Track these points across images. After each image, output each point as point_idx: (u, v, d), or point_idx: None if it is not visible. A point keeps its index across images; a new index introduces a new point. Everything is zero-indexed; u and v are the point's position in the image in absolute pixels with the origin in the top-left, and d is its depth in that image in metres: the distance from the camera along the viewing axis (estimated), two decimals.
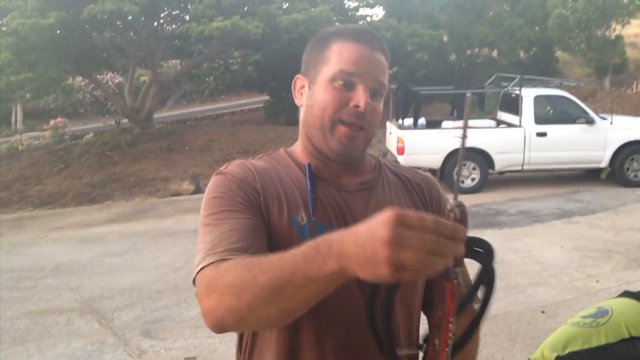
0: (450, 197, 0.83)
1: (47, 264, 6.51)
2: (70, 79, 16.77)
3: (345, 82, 1.09)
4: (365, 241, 0.73)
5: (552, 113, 9.73)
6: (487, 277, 0.86)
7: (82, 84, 19.34)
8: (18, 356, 4.21)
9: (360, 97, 1.08)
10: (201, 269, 0.96)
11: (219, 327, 0.93)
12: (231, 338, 1.24)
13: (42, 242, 7.63)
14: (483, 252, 0.84)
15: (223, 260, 0.94)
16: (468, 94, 0.81)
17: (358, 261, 0.75)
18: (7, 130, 18.11)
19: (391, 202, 1.16)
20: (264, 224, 1.07)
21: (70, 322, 4.80)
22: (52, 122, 16.02)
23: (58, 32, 12.54)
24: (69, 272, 6.21)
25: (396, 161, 9.25)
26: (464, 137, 0.80)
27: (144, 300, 5.23)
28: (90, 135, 15.66)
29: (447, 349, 0.84)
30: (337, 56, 1.10)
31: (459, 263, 0.78)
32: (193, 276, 0.99)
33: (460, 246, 0.74)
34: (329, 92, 1.10)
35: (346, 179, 1.17)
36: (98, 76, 16.87)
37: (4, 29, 13.01)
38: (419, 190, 1.22)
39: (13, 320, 4.86)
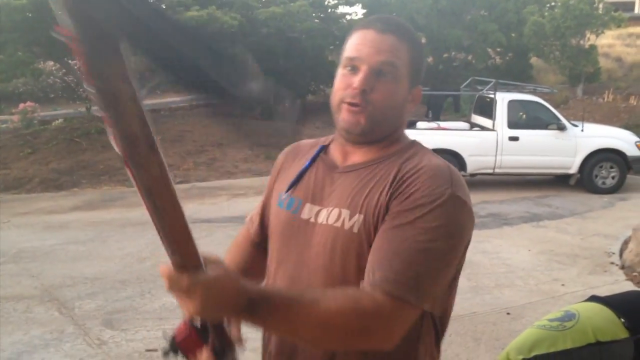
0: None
1: (8, 249, 6.33)
2: (41, 62, 16.37)
3: (351, 67, 1.17)
4: None
5: (525, 118, 9.83)
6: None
7: (53, 68, 18.91)
8: None
9: (357, 78, 1.15)
10: None
11: None
12: None
13: (4, 227, 7.43)
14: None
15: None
16: None
17: None
18: None
19: (353, 188, 1.19)
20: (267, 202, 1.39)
21: (29, 310, 4.67)
22: (21, 106, 15.59)
23: (29, 14, 12.22)
24: (31, 258, 6.05)
25: None
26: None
27: (106, 290, 5.11)
28: (60, 120, 15.28)
29: None
30: (349, 45, 1.20)
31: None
32: None
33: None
34: (339, 78, 1.20)
35: (352, 158, 1.24)
36: (70, 61, 16.49)
37: None
38: (397, 183, 1.13)
39: None
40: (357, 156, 1.22)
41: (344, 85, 1.17)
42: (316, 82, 18.04)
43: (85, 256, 6.15)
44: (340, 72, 1.19)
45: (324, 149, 1.30)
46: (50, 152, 11.91)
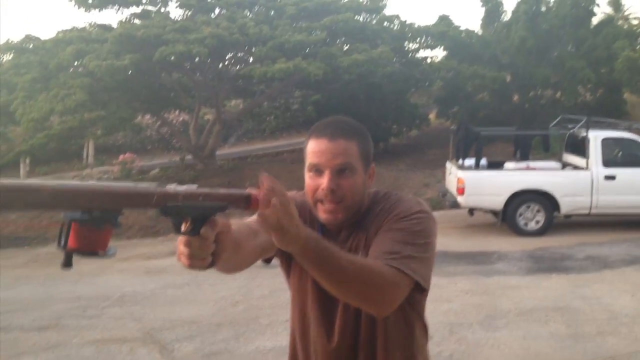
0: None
1: (113, 293, 6.71)
2: (139, 117, 17.49)
3: (315, 170, 1.46)
4: None
5: (621, 156, 9.42)
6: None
7: (150, 121, 20.15)
8: None
9: (324, 181, 1.44)
10: None
11: None
12: None
13: (108, 272, 7.88)
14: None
15: None
16: None
17: None
18: (79, 165, 18.98)
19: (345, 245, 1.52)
20: None
21: (133, 352, 4.91)
22: (121, 157, 16.67)
23: (130, 73, 13.18)
24: (133, 302, 6.38)
25: (456, 202, 9.14)
26: None
27: (203, 332, 5.30)
28: (157, 170, 16.22)
29: None
30: (308, 152, 1.48)
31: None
32: None
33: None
34: (308, 180, 1.49)
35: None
36: (165, 115, 17.52)
37: (80, 70, 13.77)
38: (380, 217, 1.49)
39: (79, 347, 5.02)
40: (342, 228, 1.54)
41: (314, 186, 1.46)
42: (399, 124, 18.13)
43: (182, 300, 6.42)
44: (308, 175, 1.48)
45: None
46: None
